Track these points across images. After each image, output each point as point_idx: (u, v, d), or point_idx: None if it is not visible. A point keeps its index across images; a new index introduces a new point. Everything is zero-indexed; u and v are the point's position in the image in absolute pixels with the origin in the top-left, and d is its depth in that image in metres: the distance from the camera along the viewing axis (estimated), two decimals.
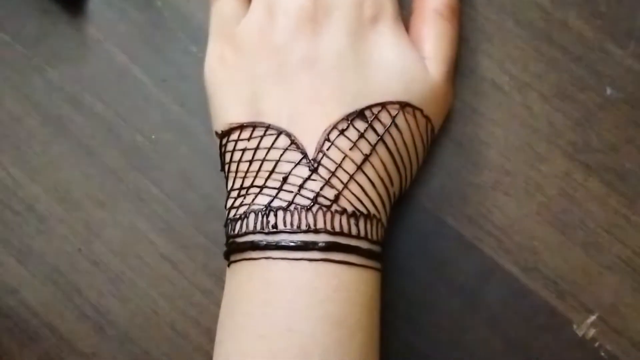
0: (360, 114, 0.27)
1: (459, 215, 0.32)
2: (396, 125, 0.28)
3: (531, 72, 0.32)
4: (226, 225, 0.28)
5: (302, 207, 0.26)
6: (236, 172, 0.28)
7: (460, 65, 0.32)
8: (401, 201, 0.31)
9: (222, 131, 0.29)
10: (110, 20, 0.35)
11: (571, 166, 0.31)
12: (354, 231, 0.26)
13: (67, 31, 0.35)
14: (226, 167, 0.29)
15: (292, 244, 0.26)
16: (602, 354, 0.30)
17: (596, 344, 0.30)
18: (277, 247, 0.26)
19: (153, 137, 0.34)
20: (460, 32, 0.32)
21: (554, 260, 0.31)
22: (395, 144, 0.28)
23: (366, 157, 0.27)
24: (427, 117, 0.29)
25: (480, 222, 0.31)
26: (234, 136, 0.29)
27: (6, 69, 0.35)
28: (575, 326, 0.30)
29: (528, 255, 0.31)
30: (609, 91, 0.31)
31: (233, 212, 0.28)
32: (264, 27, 0.29)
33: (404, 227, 0.32)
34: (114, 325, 0.33)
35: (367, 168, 0.27)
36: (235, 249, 0.27)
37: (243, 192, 0.28)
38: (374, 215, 0.27)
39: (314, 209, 0.26)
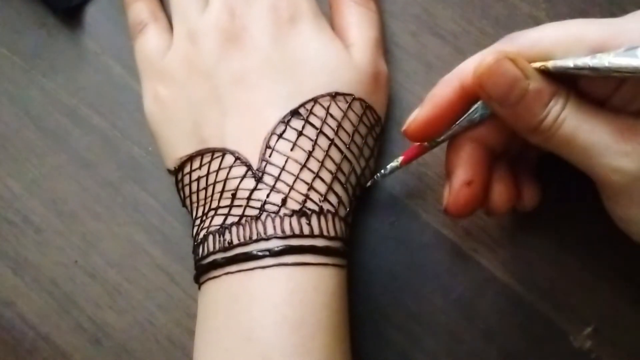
0: (295, 114, 0.28)
1: (455, 227, 0.32)
2: (331, 115, 0.28)
3: None
4: (193, 252, 0.29)
5: (252, 217, 0.27)
6: (197, 201, 0.29)
7: None
8: (397, 213, 0.31)
9: (174, 168, 0.30)
10: (107, 33, 0.35)
11: (566, 177, 0.31)
12: (306, 230, 0.27)
13: (65, 44, 0.35)
14: (187, 200, 0.30)
15: (245, 255, 0.26)
16: None
17: (593, 356, 0.30)
18: (234, 261, 0.26)
19: (150, 148, 0.34)
20: (456, 43, 0.32)
21: (550, 272, 0.31)
22: (335, 133, 0.28)
23: (309, 154, 0.28)
24: (360, 100, 0.29)
25: (476, 234, 0.31)
26: (187, 169, 0.29)
27: (4, 81, 0.35)
28: (571, 338, 0.30)
29: (524, 267, 0.31)
30: None
31: (196, 238, 0.28)
32: (189, 55, 0.29)
33: (401, 239, 0.32)
34: (111, 337, 0.33)
35: (312, 164, 0.28)
36: (201, 271, 0.28)
37: (204, 217, 0.28)
38: (328, 210, 0.27)
39: (263, 217, 0.27)
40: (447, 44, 0.32)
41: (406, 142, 0.32)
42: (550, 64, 0.23)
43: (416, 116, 0.26)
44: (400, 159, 0.28)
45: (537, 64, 0.23)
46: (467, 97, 0.25)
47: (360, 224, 0.32)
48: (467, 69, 0.24)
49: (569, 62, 0.22)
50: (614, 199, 0.24)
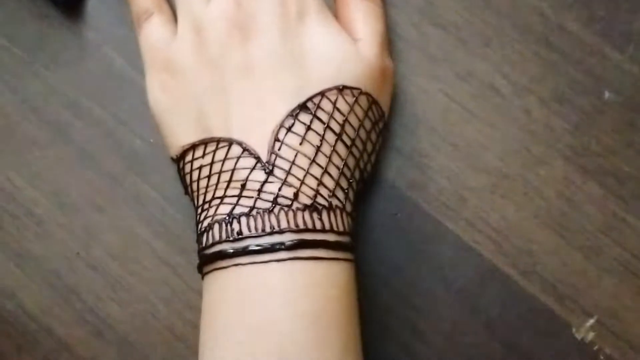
0: (303, 107, 0.28)
1: (457, 219, 0.32)
2: (338, 110, 0.28)
3: (529, 76, 0.32)
4: (197, 241, 0.29)
5: (264, 210, 0.27)
6: (198, 189, 0.29)
7: (458, 68, 0.32)
8: (399, 205, 0.31)
9: (176, 155, 0.30)
10: (109, 24, 0.35)
11: (569, 169, 0.31)
12: (318, 225, 0.27)
13: (66, 35, 0.35)
14: (189, 189, 0.30)
15: (259, 247, 0.26)
16: (601, 357, 0.30)
17: (595, 347, 0.30)
18: (245, 252, 0.26)
19: (152, 141, 0.34)
20: (459, 34, 0.32)
21: (552, 264, 0.31)
22: (342, 127, 0.28)
23: (318, 148, 0.28)
24: (367, 94, 0.29)
25: (478, 226, 0.31)
26: (189, 157, 0.29)
27: (5, 73, 0.35)
28: (574, 329, 0.30)
29: (527, 259, 0.31)
30: (607, 95, 0.31)
31: (200, 226, 0.28)
32: (195, 45, 0.29)
33: (402, 231, 0.32)
34: (113, 329, 0.33)
35: (321, 159, 0.28)
36: (206, 260, 0.28)
37: (206, 206, 0.28)
38: (337, 205, 0.28)
39: (276, 210, 0.27)
40: (449, 35, 0.32)
41: (410, 136, 0.32)
42: None
43: None
44: None
45: None
46: None
47: (362, 217, 0.32)
48: None
49: None
50: None
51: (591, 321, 0.30)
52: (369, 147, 0.30)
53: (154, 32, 0.31)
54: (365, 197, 0.32)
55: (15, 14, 0.35)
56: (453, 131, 0.32)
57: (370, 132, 0.30)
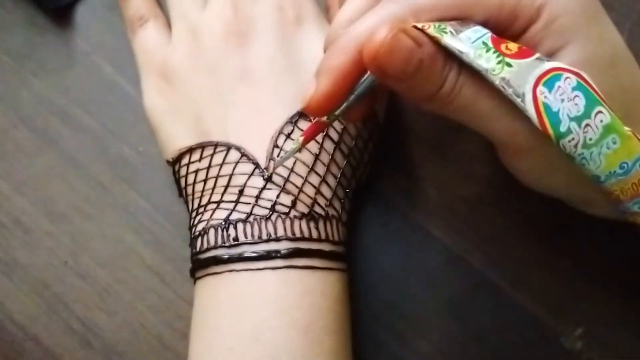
0: (302, 115, 0.28)
1: (446, 229, 0.32)
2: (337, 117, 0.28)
3: None
4: (190, 245, 0.28)
5: (262, 217, 0.26)
6: (193, 193, 0.29)
7: None
8: (388, 214, 0.31)
9: (172, 158, 0.29)
10: (97, 32, 0.35)
11: None
12: (314, 234, 0.27)
13: (55, 43, 0.35)
14: (183, 192, 0.30)
15: (255, 254, 0.26)
16: None
17: (584, 357, 0.30)
18: (240, 259, 0.26)
19: (140, 149, 0.34)
20: None
21: (541, 273, 0.31)
22: (340, 136, 0.28)
23: (316, 157, 0.27)
24: None
25: (468, 235, 0.31)
26: (185, 160, 0.29)
27: None
28: (562, 339, 0.30)
29: (516, 268, 0.31)
30: None
31: (193, 230, 0.28)
32: (192, 51, 0.29)
33: (392, 240, 0.32)
34: (101, 338, 0.32)
35: (319, 167, 0.28)
36: (199, 265, 0.27)
37: (201, 209, 0.28)
38: (332, 215, 0.27)
39: (273, 217, 0.26)
40: None
41: (403, 149, 0.32)
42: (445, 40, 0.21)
43: (316, 91, 0.23)
44: (301, 139, 0.25)
45: (420, 25, 0.21)
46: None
47: (352, 226, 0.32)
48: (363, 35, 0.22)
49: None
50: (516, 156, 0.23)
51: (580, 330, 0.30)
52: (365, 157, 0.30)
53: (150, 37, 0.31)
54: (354, 207, 0.32)
55: (4, 21, 0.35)
56: (442, 141, 0.32)
57: (367, 142, 0.30)
